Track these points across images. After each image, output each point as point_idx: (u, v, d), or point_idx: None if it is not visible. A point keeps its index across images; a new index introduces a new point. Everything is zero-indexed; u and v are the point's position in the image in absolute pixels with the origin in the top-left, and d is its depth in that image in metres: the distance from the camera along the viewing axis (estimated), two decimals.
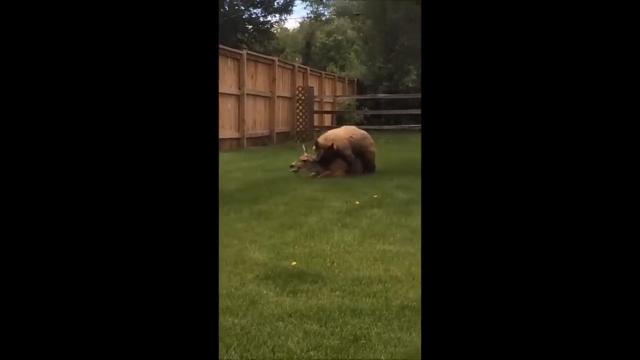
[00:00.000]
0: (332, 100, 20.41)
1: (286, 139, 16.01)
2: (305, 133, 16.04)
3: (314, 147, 8.02)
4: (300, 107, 16.57)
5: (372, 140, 8.42)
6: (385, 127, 18.17)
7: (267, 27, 27.16)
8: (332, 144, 7.86)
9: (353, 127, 8.83)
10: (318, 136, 8.94)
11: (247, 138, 13.93)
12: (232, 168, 9.25)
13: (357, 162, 8.16)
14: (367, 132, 8.66)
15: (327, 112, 19.68)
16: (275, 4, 26.92)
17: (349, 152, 8.01)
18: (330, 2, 35.86)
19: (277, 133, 15.62)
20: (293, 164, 7.90)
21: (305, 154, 7.99)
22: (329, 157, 7.90)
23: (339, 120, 19.49)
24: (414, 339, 2.62)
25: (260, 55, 15.94)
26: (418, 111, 17.13)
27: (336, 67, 27.64)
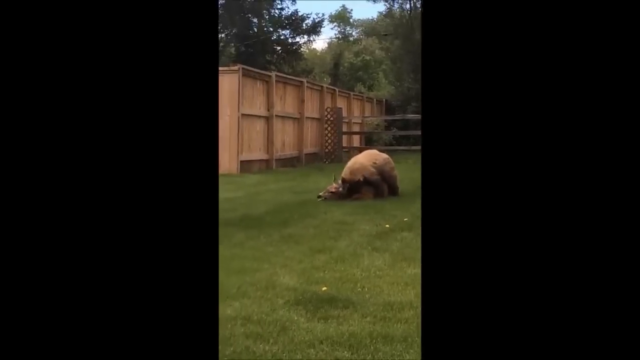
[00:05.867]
0: (360, 121, 20.43)
1: (315, 160, 16.04)
2: (334, 154, 16.07)
3: (340, 181, 8.02)
4: (329, 128, 16.61)
5: (393, 164, 8.46)
6: (414, 147, 18.10)
7: (296, 48, 27.38)
8: (359, 179, 7.90)
9: (375, 152, 8.80)
10: (348, 157, 8.96)
11: (276, 159, 13.99)
12: (261, 190, 9.28)
13: (384, 185, 8.17)
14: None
15: (356, 133, 19.69)
16: (304, 25, 27.14)
17: (375, 177, 8.04)
18: (358, 23, 36.06)
19: (305, 154, 15.67)
20: (320, 194, 7.91)
21: (334, 184, 8.00)
22: (356, 187, 7.93)
23: (368, 141, 19.50)
24: None
25: (288, 76, 16.05)
26: None
27: (364, 87, 27.74)
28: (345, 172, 8.06)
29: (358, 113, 20.78)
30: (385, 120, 20.88)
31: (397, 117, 20.36)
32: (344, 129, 17.70)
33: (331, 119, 16.65)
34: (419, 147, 18.03)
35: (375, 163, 8.14)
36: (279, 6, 27.10)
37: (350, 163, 8.30)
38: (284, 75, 15.68)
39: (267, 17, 26.90)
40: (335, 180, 8.12)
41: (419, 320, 3.17)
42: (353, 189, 7.91)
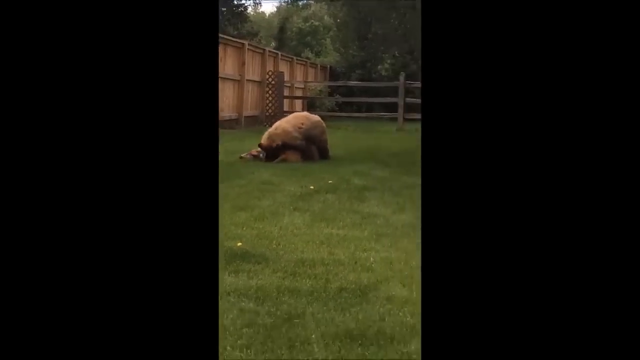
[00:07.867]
0: (303, 86, 20.38)
1: (255, 123, 15.98)
2: (275, 118, 15.97)
3: (258, 146, 8.03)
4: (270, 92, 16.55)
5: (324, 128, 8.45)
6: (356, 114, 18.19)
7: (241, 10, 26.98)
8: (277, 144, 7.90)
9: (304, 114, 8.77)
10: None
11: None
12: None
13: (313, 148, 8.19)
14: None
15: (298, 98, 19.64)
16: None
17: (298, 141, 8.03)
18: None
19: (245, 117, 15.59)
20: (242, 155, 7.92)
21: (258, 149, 8.02)
22: (277, 151, 7.94)
23: (310, 106, 19.47)
24: (347, 319, 2.68)
25: (229, 38, 15.86)
26: (390, 100, 17.11)
27: (312, 53, 27.58)
28: (263, 138, 8.07)
29: (301, 78, 20.70)
30: (329, 87, 20.87)
31: (340, 83, 20.37)
32: (286, 93, 17.63)
33: (272, 82, 16.57)
34: (360, 114, 18.16)
35: (301, 127, 8.12)
36: None
37: (271, 128, 8.28)
38: (224, 37, 15.48)
39: None
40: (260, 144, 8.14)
41: (328, 276, 3.26)
42: (272, 155, 7.94)
